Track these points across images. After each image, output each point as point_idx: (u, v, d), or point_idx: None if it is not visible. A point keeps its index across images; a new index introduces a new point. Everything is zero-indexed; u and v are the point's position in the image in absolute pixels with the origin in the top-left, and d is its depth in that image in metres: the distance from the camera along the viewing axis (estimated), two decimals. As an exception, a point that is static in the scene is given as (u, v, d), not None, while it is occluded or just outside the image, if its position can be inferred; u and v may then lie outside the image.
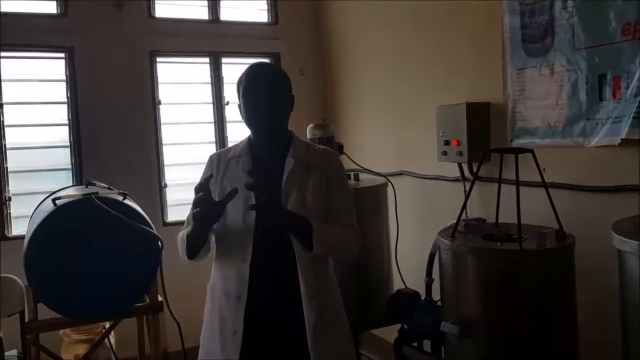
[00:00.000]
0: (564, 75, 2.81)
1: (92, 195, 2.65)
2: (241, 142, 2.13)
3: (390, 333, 3.23)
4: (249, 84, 1.98)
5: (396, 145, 4.18)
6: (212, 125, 4.67)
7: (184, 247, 2.01)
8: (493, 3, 3.20)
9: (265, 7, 4.91)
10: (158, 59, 4.46)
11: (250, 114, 1.99)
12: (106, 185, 3.19)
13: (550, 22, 2.87)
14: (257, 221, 1.95)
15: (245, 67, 2.05)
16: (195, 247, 1.98)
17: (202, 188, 1.81)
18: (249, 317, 1.95)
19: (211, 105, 4.66)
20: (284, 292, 1.96)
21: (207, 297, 2.14)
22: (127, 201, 2.82)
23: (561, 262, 2.28)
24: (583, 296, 2.41)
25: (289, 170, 2.01)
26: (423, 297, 3.11)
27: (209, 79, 4.65)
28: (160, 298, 2.97)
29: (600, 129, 2.65)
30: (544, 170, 2.48)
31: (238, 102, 2.04)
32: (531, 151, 2.41)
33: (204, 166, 2.15)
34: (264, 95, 1.95)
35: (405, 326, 3.13)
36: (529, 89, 3.02)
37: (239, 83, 2.02)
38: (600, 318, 2.51)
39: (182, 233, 2.06)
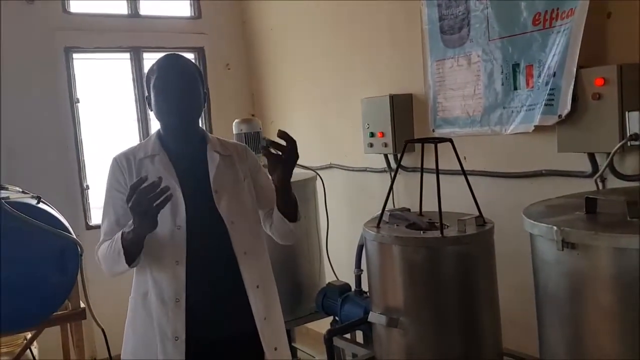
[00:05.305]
0: (480, 65, 2.88)
1: (2, 200, 2.50)
2: (148, 141, 2.02)
3: (326, 326, 3.23)
4: (161, 75, 1.88)
5: (325, 139, 4.18)
6: (136, 123, 4.53)
7: (115, 258, 1.81)
8: (412, -4, 3.25)
9: (188, 0, 4.79)
10: (75, 56, 4.28)
11: (162, 107, 1.90)
12: (20, 189, 3.03)
13: (466, 13, 2.93)
14: (187, 218, 1.87)
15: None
16: (132, 252, 1.79)
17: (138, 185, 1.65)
18: (191, 321, 1.87)
19: (134, 102, 4.52)
20: (225, 287, 1.91)
21: (134, 307, 1.98)
22: (41, 205, 2.68)
23: (481, 247, 2.34)
24: (503, 279, 2.49)
25: (216, 165, 1.96)
26: (353, 288, 3.13)
27: (130, 75, 4.50)
28: (82, 305, 2.85)
29: (515, 116, 2.73)
30: (464, 158, 2.54)
31: (146, 95, 1.95)
32: (450, 140, 2.45)
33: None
34: (178, 87, 1.87)
35: (337, 318, 3.15)
36: (448, 80, 3.08)
37: (150, 74, 1.92)
38: (520, 299, 2.59)
39: (105, 246, 1.88)
